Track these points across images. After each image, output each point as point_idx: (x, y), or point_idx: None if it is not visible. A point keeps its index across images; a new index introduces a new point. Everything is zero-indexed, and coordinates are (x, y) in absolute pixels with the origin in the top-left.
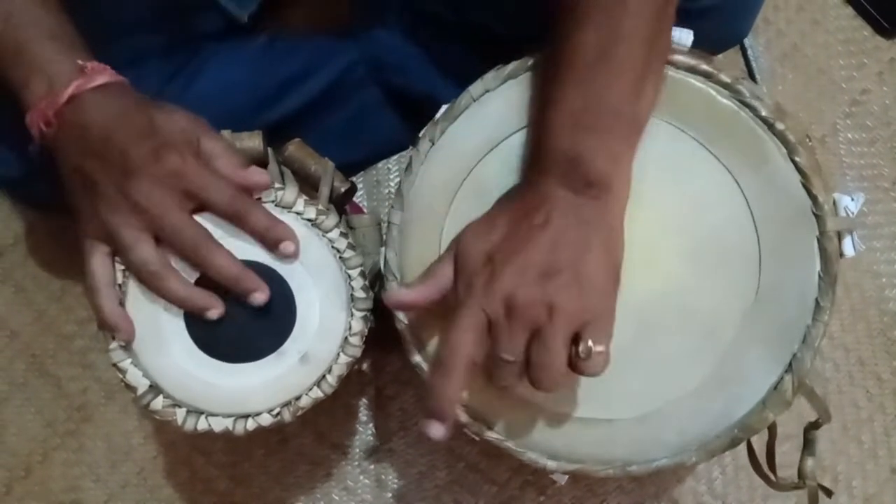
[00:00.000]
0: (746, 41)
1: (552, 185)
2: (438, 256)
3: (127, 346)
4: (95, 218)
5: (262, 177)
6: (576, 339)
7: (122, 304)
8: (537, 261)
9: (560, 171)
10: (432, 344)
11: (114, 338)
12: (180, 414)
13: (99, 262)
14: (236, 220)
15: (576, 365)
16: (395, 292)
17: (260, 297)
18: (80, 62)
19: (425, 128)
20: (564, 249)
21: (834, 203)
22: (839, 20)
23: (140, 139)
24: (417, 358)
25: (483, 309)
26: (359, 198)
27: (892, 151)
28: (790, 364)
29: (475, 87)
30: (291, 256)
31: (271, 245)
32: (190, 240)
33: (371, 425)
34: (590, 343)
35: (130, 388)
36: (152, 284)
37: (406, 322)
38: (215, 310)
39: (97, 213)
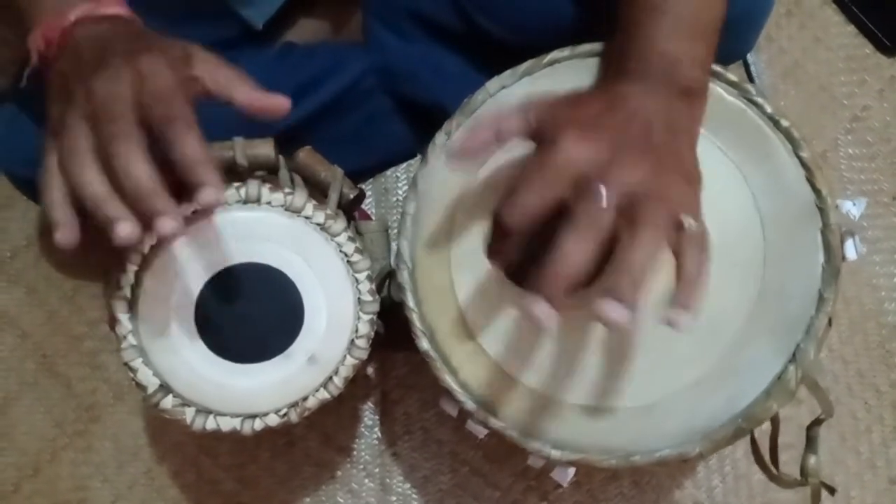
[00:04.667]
0: (749, 57)
1: (648, 85)
2: (497, 113)
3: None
4: (55, 111)
5: (280, 99)
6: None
7: (133, 305)
8: (636, 142)
9: (658, 75)
10: (441, 331)
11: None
12: (189, 413)
13: (51, 158)
14: (163, 133)
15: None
16: (457, 139)
17: (166, 224)
18: None
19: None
20: (661, 142)
21: (837, 208)
22: (841, 38)
23: (123, 43)
24: (426, 345)
25: (575, 165)
26: (367, 205)
27: (892, 167)
28: (794, 355)
29: (492, 83)
30: (212, 204)
31: (192, 183)
32: (117, 143)
33: (376, 429)
34: (691, 221)
35: (141, 387)
36: (65, 164)
37: (415, 309)
38: (124, 223)
39: (59, 107)
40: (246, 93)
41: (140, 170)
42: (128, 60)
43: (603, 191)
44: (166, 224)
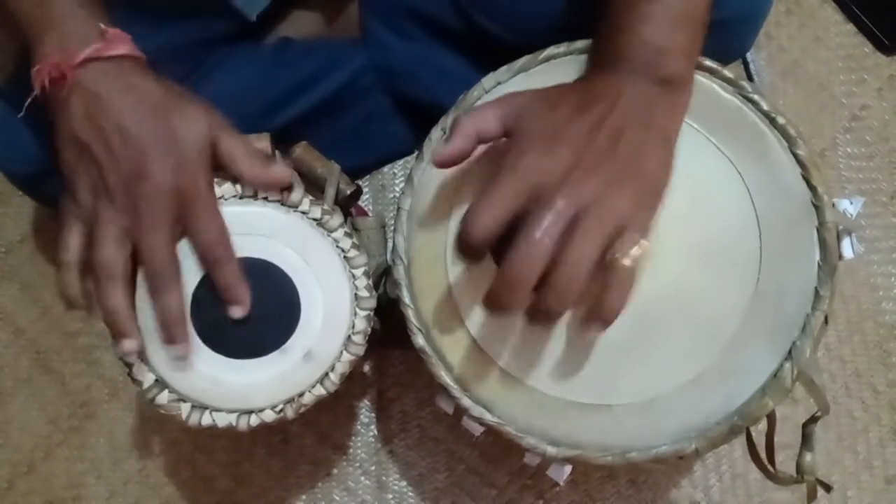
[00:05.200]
0: (749, 56)
1: (628, 76)
2: (481, 105)
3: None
4: (88, 201)
5: (284, 172)
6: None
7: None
8: (598, 151)
9: (641, 63)
10: (436, 327)
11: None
12: (185, 408)
13: (75, 240)
14: (209, 266)
15: (604, 277)
16: (439, 148)
17: (179, 350)
18: (101, 26)
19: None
20: (626, 147)
21: (833, 206)
22: (840, 37)
23: (159, 144)
24: (421, 342)
25: (529, 177)
26: (364, 202)
27: (891, 166)
28: (790, 352)
29: (487, 80)
30: (238, 317)
31: (226, 300)
32: (157, 266)
33: (372, 427)
34: (617, 255)
35: (136, 382)
36: (98, 283)
37: (411, 305)
38: (129, 341)
39: (93, 198)
40: (250, 172)
41: (176, 305)
42: (172, 185)
43: (539, 233)
44: (179, 350)
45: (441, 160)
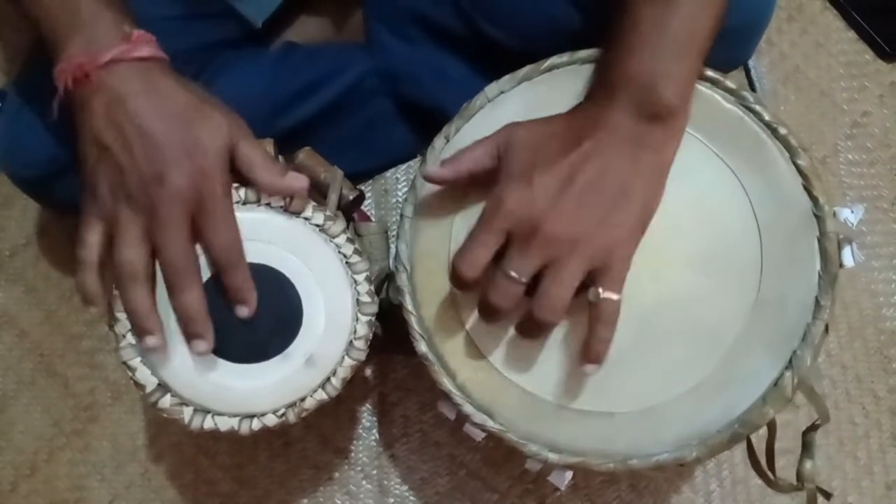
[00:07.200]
0: (750, 62)
1: (617, 109)
2: (481, 139)
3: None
4: (108, 201)
5: (301, 182)
6: (583, 285)
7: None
8: (576, 194)
9: (630, 97)
10: (439, 334)
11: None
12: (187, 412)
13: (95, 239)
14: (221, 269)
15: (590, 311)
16: (431, 166)
17: (201, 345)
18: (126, 28)
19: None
20: (605, 188)
21: (834, 216)
22: (841, 43)
23: (180, 149)
24: (424, 348)
25: (507, 220)
26: (367, 206)
27: (892, 173)
28: (790, 361)
29: (490, 88)
30: (245, 317)
31: (235, 301)
32: (176, 265)
33: (374, 431)
34: (599, 290)
35: (139, 386)
36: (121, 284)
37: (414, 312)
38: (152, 338)
39: (112, 198)
40: (267, 179)
41: (197, 302)
42: (189, 189)
43: (513, 273)
44: (201, 346)
45: (428, 177)
